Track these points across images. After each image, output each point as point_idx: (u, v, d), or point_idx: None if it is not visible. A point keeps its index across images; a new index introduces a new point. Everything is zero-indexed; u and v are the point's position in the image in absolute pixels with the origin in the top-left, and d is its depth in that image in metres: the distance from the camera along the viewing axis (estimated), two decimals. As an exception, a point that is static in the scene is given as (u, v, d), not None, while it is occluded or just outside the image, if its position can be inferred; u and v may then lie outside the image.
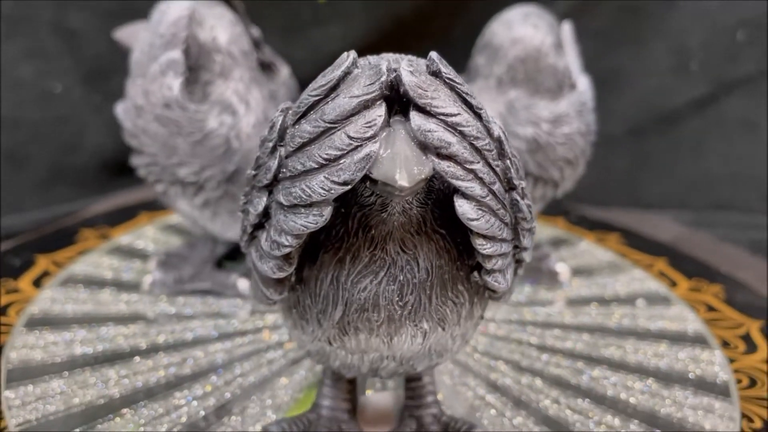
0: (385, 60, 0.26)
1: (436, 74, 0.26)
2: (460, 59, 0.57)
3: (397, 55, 0.27)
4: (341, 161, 0.24)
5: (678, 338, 0.45)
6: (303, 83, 0.79)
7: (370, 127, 0.24)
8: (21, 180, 0.68)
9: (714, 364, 0.42)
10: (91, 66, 0.68)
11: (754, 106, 0.76)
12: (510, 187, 0.27)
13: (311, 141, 0.25)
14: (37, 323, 0.44)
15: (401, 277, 0.27)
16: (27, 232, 0.57)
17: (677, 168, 0.78)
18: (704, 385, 0.41)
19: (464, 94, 0.26)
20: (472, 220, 0.26)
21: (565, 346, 0.44)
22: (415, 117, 0.25)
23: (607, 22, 0.77)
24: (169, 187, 0.44)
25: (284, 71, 0.50)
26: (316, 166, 0.25)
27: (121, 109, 0.44)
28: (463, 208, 0.25)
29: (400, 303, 0.28)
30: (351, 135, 0.24)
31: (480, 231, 0.26)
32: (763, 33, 0.74)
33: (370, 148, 0.24)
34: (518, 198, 0.28)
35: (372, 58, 0.26)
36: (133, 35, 0.46)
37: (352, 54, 0.26)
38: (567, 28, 0.50)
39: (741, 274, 0.55)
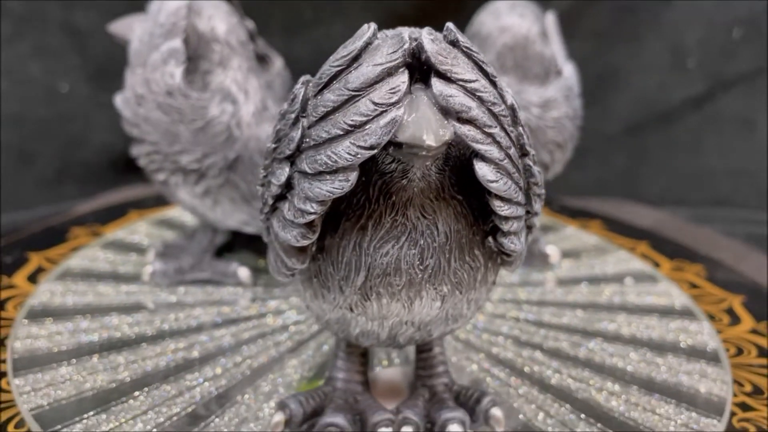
0: (406, 30, 0.27)
1: (453, 43, 0.26)
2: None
3: (414, 28, 0.27)
4: (367, 127, 0.25)
5: (666, 312, 0.47)
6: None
7: (394, 93, 0.25)
8: (28, 176, 0.69)
9: (703, 334, 0.44)
10: (98, 64, 0.69)
11: (751, 103, 0.77)
12: (523, 153, 0.28)
13: (335, 109, 0.26)
14: (39, 315, 0.44)
15: (422, 242, 0.28)
16: (16, 231, 0.57)
17: (675, 164, 0.79)
18: (696, 353, 0.42)
19: (480, 62, 0.27)
20: (492, 182, 0.27)
21: (561, 321, 0.45)
22: (437, 83, 0.26)
23: (605, 22, 0.78)
24: (170, 176, 0.45)
25: (278, 63, 0.50)
26: (342, 133, 0.25)
27: (120, 100, 0.45)
28: (483, 170, 0.26)
29: (421, 267, 0.29)
30: (375, 101, 0.25)
31: (498, 192, 0.27)
32: (758, 31, 0.75)
33: (395, 113, 0.25)
34: (530, 163, 0.29)
35: (390, 31, 0.27)
36: (129, 27, 0.47)
37: (373, 25, 0.26)
38: (551, 18, 0.52)
39: (718, 254, 0.57)
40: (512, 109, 0.28)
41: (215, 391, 0.38)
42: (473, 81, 0.26)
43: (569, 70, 0.50)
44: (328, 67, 0.27)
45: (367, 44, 0.26)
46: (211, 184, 0.44)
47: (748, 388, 0.39)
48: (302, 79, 0.28)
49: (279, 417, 0.34)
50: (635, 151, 0.80)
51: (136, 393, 0.37)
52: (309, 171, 0.26)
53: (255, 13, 0.73)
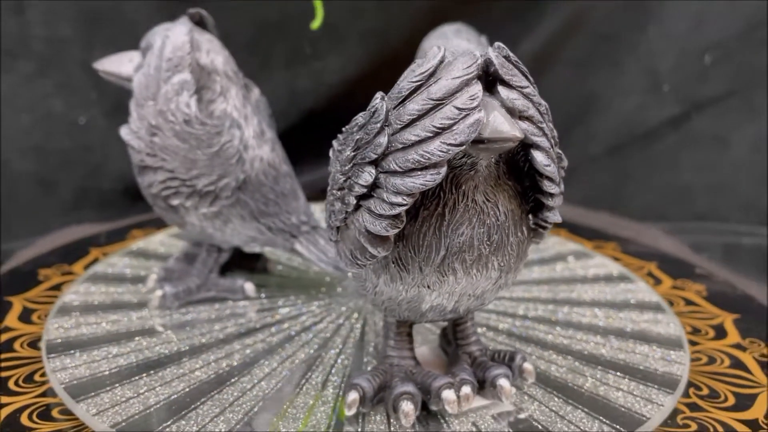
0: (470, 49, 0.33)
1: (506, 58, 0.32)
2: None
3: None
4: (455, 128, 0.30)
5: (608, 278, 0.57)
6: (306, 108, 0.85)
7: (473, 99, 0.30)
8: (50, 203, 0.73)
9: (643, 291, 0.55)
10: (114, 99, 0.73)
11: (724, 123, 0.81)
12: (555, 142, 0.34)
13: (421, 116, 0.30)
14: (62, 348, 0.44)
15: (488, 221, 0.34)
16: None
17: (655, 181, 0.82)
18: (644, 306, 0.52)
19: (525, 72, 0.32)
20: (546, 166, 0.32)
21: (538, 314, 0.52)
22: (502, 89, 0.31)
23: (585, 51, 0.83)
24: (186, 200, 0.46)
25: (256, 91, 0.53)
26: (431, 135, 0.30)
27: (126, 132, 0.46)
28: (539, 157, 0.32)
29: (488, 242, 0.34)
30: (459, 106, 0.30)
31: (550, 175, 0.33)
32: (728, 56, 0.79)
33: (478, 115, 0.30)
34: (560, 151, 0.35)
35: (453, 50, 0.33)
36: (117, 63, 0.48)
37: (443, 47, 0.31)
38: (484, 41, 0.59)
39: (664, 247, 0.68)
40: (547, 108, 0.33)
41: (279, 384, 0.41)
42: (527, 87, 0.32)
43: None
44: (407, 83, 0.31)
45: (441, 62, 0.31)
46: (224, 204, 0.47)
47: (689, 329, 0.50)
48: (378, 95, 0.32)
49: (354, 396, 0.37)
50: (617, 170, 0.84)
51: (202, 398, 0.40)
52: (400, 169, 0.31)
53: (259, 48, 0.79)
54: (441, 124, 0.30)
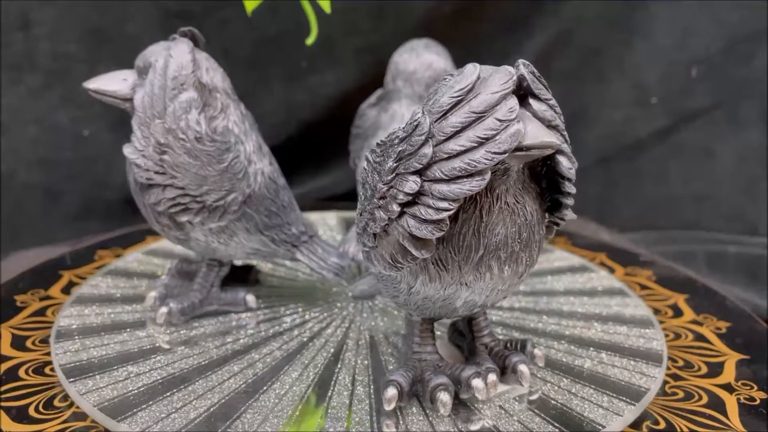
0: (504, 67, 0.35)
1: (532, 73, 0.35)
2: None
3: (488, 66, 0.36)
4: (497, 138, 0.32)
5: (573, 269, 0.61)
6: (303, 120, 0.87)
7: (512, 111, 0.33)
8: (56, 213, 0.75)
9: (606, 278, 0.59)
10: (118, 113, 0.74)
11: (710, 135, 0.83)
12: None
13: (464, 128, 0.33)
14: (76, 372, 0.43)
15: (518, 221, 0.36)
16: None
17: (643, 192, 0.85)
18: (610, 291, 0.56)
19: (547, 86, 0.35)
20: (570, 169, 0.36)
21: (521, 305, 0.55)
22: (534, 102, 0.34)
23: (573, 64, 0.85)
24: (194, 216, 0.47)
25: (241, 105, 0.53)
26: (476, 144, 0.33)
27: (130, 150, 0.46)
28: (564, 162, 0.36)
29: (519, 240, 0.37)
30: (499, 118, 0.33)
31: (571, 177, 0.36)
32: (714, 69, 0.82)
33: (517, 126, 0.33)
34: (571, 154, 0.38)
35: (487, 67, 0.35)
36: (110, 83, 0.48)
37: (478, 66, 0.34)
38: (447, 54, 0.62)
39: (620, 243, 0.72)
40: (562, 116, 0.37)
41: (309, 388, 0.43)
42: (551, 99, 0.35)
43: None
44: (448, 98, 0.33)
45: (478, 78, 0.34)
46: (231, 218, 0.48)
47: (651, 310, 0.54)
48: (419, 110, 0.34)
49: (392, 391, 0.39)
50: (606, 181, 0.86)
51: (241, 407, 0.41)
52: (446, 177, 0.33)
53: (257, 64, 0.81)
54: (485, 134, 0.33)
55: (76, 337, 0.47)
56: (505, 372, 0.42)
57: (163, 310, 0.49)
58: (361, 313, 0.52)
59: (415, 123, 0.34)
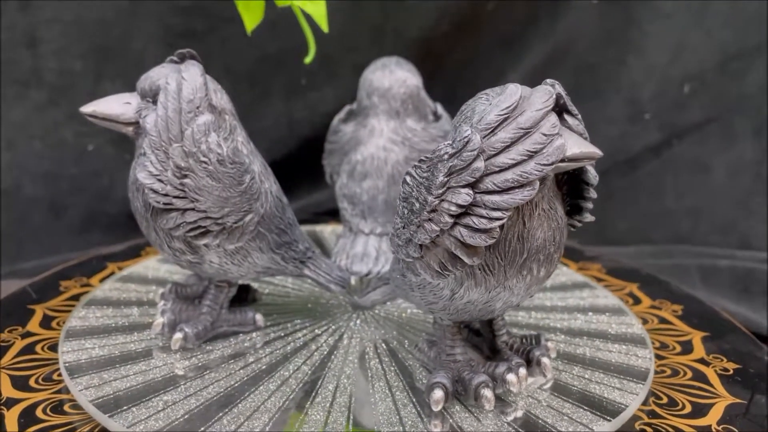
0: (542, 86, 0.38)
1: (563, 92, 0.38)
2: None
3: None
4: (544, 151, 0.35)
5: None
6: (303, 136, 0.88)
7: (554, 127, 0.36)
8: (60, 226, 0.77)
9: (569, 273, 0.64)
10: None
11: (704, 149, 0.84)
12: None
13: (513, 143, 0.36)
14: (108, 408, 0.42)
15: (553, 224, 0.39)
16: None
17: (638, 206, 0.86)
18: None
19: (571, 103, 0.38)
20: (595, 177, 0.40)
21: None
22: (569, 118, 0.38)
23: (569, 81, 0.84)
24: (213, 239, 0.46)
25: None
26: (526, 158, 0.35)
27: (145, 176, 0.44)
28: (591, 171, 0.40)
29: (554, 242, 0.39)
30: (545, 133, 0.35)
31: (594, 183, 0.40)
32: (706, 85, 0.83)
33: (560, 140, 0.36)
34: None
35: (525, 87, 0.37)
36: (112, 107, 0.47)
37: (519, 85, 0.37)
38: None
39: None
40: None
41: (366, 392, 0.45)
42: (578, 114, 0.38)
43: (445, 114, 0.63)
44: (495, 116, 0.36)
45: (521, 97, 0.36)
46: (247, 239, 0.48)
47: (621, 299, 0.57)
48: (468, 129, 0.36)
49: (439, 393, 0.42)
50: (602, 196, 0.85)
51: (306, 406, 0.43)
52: (498, 188, 0.36)
53: (258, 81, 0.83)
54: (533, 148, 0.35)
55: (92, 372, 0.46)
56: (530, 365, 0.46)
57: (178, 335, 0.49)
58: (366, 323, 0.54)
59: (466, 140, 0.36)
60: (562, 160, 0.36)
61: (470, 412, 0.43)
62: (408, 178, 0.39)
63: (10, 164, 0.74)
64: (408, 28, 0.85)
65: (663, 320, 0.56)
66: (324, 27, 0.55)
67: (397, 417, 0.42)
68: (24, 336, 0.51)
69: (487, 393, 0.42)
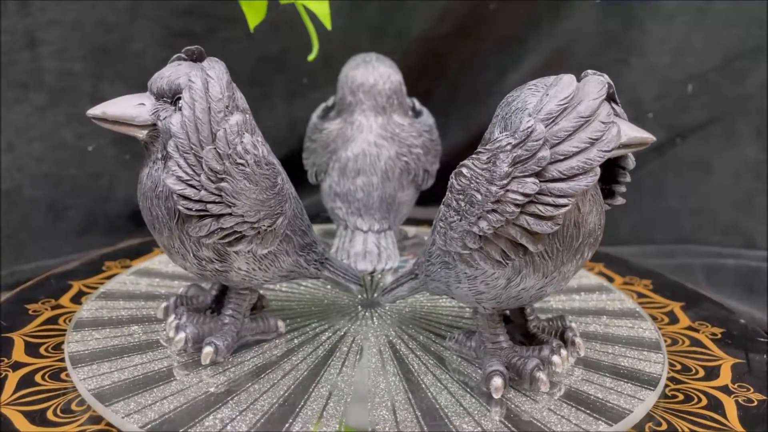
0: (593, 76, 0.39)
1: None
2: (439, 115, 0.67)
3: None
4: (604, 138, 0.37)
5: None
6: (304, 136, 0.88)
7: (609, 115, 0.37)
8: (60, 227, 0.76)
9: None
10: None
11: (706, 149, 0.84)
12: None
13: (574, 132, 0.37)
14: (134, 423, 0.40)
15: (599, 208, 0.41)
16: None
17: (641, 207, 0.85)
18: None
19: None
20: (633, 161, 0.42)
21: None
22: (615, 106, 0.39)
23: None
24: (248, 245, 0.44)
25: None
26: (588, 145, 0.37)
27: (174, 181, 0.41)
28: (631, 155, 0.42)
29: (599, 225, 0.41)
30: (603, 121, 0.37)
31: (632, 167, 0.42)
32: (708, 86, 0.83)
33: (616, 127, 0.37)
34: None
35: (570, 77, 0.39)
36: (124, 109, 0.43)
37: (573, 76, 0.38)
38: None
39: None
40: None
41: (405, 383, 0.46)
42: (619, 103, 0.40)
43: (425, 109, 0.64)
44: (555, 106, 0.37)
45: (577, 87, 0.38)
46: (278, 241, 0.46)
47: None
48: (530, 119, 0.38)
49: (499, 381, 0.43)
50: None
51: (359, 401, 0.44)
52: (563, 176, 0.37)
53: (260, 80, 0.83)
54: (594, 135, 0.37)
55: (120, 400, 0.42)
56: (565, 345, 0.48)
57: (208, 349, 0.46)
58: (382, 319, 0.54)
59: (529, 130, 0.37)
60: (618, 147, 0.37)
61: (525, 396, 0.45)
62: (464, 170, 0.40)
63: (10, 166, 0.74)
64: (410, 29, 0.84)
65: (640, 295, 0.60)
66: (327, 25, 0.55)
67: (461, 407, 0.43)
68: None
69: (542, 376, 0.44)
